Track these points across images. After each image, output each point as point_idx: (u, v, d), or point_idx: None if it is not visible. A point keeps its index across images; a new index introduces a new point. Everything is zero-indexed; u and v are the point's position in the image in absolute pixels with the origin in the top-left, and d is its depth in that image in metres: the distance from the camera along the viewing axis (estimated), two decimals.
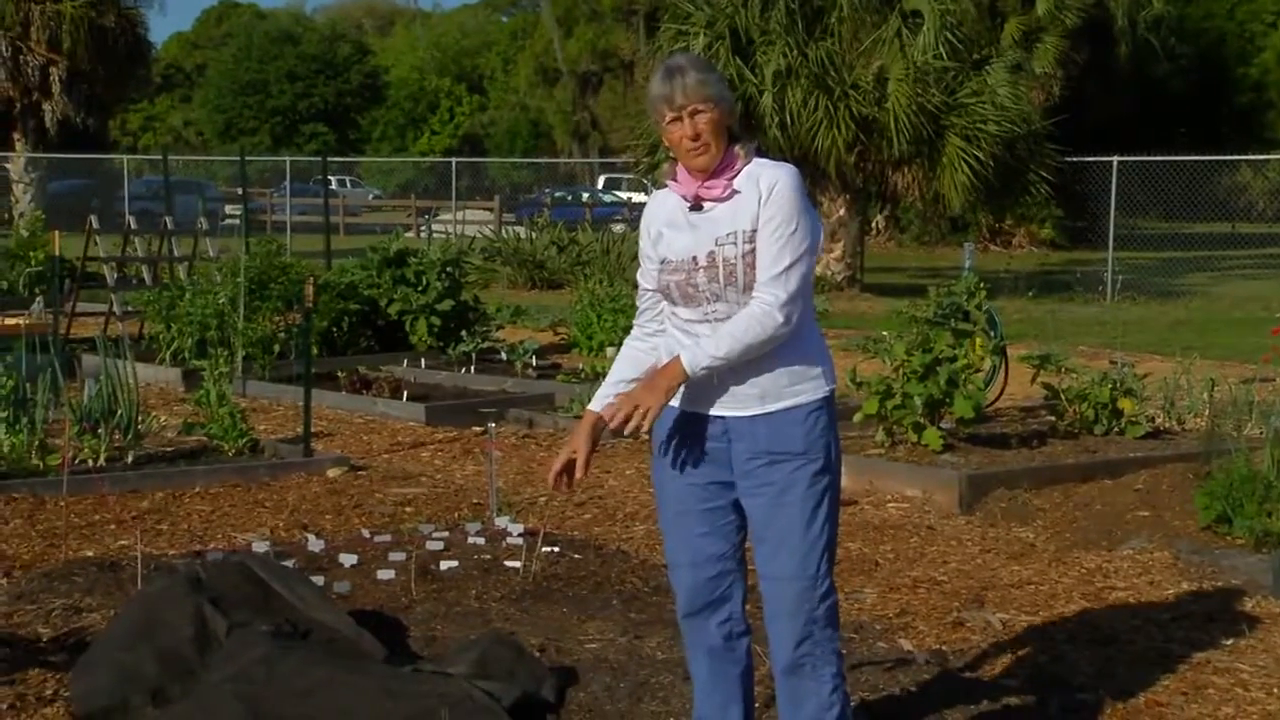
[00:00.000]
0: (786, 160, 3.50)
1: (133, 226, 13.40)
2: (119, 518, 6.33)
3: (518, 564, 5.49)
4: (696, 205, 3.36)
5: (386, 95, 64.05)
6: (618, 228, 26.10)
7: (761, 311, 3.26)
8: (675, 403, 3.42)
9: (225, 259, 11.88)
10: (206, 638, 4.06)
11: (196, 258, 12.72)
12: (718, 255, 3.30)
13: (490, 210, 32.64)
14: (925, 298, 8.56)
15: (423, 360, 11.34)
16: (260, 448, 7.78)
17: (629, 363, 3.51)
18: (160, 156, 16.09)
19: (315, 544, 5.78)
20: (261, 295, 10.96)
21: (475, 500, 6.87)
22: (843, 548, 3.94)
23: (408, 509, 6.71)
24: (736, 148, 3.34)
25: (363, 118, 62.69)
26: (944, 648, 4.76)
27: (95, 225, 12.47)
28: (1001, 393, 9.06)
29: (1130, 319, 16.80)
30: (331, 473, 7.43)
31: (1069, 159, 21.03)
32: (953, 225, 31.63)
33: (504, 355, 11.45)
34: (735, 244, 3.29)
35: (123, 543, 5.93)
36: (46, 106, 29.65)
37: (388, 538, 5.92)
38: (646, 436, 3.52)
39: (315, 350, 10.24)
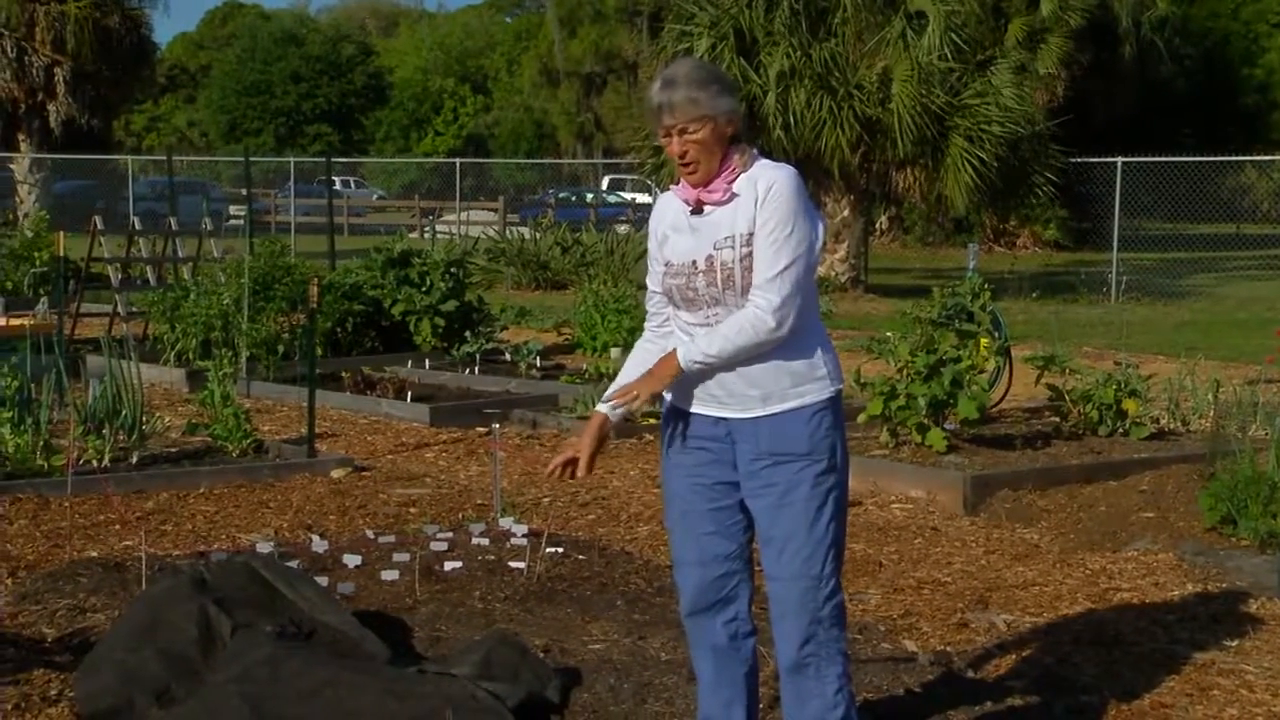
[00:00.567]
0: (790, 161, 3.50)
1: (137, 227, 13.42)
2: (123, 518, 6.33)
3: (522, 565, 5.49)
4: (697, 209, 3.36)
5: (390, 96, 64.10)
6: (622, 228, 26.10)
7: (753, 315, 3.27)
8: (681, 404, 3.43)
9: (229, 260, 11.89)
10: (211, 638, 4.06)
11: (201, 258, 12.73)
12: (716, 259, 3.30)
13: (494, 211, 32.65)
14: (930, 298, 8.57)
15: (427, 361, 11.34)
16: (264, 448, 7.79)
17: (638, 364, 3.52)
18: (165, 157, 16.13)
19: (319, 544, 5.78)
20: (266, 296, 10.97)
21: (479, 501, 6.87)
22: (847, 548, 3.93)
23: (412, 510, 6.71)
24: (735, 154, 3.33)
25: (367, 118, 62.75)
26: (948, 649, 4.76)
27: (100, 226, 12.48)
28: (1006, 394, 9.06)
29: (1135, 320, 16.80)
30: (335, 473, 7.43)
31: (1073, 160, 21.01)
32: (957, 226, 31.63)
33: (508, 356, 11.46)
34: (733, 247, 3.29)
35: (127, 543, 5.93)
36: (51, 107, 29.69)
37: (392, 538, 5.93)
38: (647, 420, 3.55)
39: (319, 351, 10.24)
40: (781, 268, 3.26)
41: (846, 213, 20.45)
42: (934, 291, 8.68)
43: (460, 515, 6.54)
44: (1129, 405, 8.02)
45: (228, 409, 7.64)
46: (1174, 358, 10.29)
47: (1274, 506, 5.95)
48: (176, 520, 6.44)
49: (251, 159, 17.85)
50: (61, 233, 11.38)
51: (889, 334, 9.40)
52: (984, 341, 8.06)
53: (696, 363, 3.32)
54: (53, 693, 4.18)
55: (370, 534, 6.04)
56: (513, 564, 5.52)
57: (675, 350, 3.35)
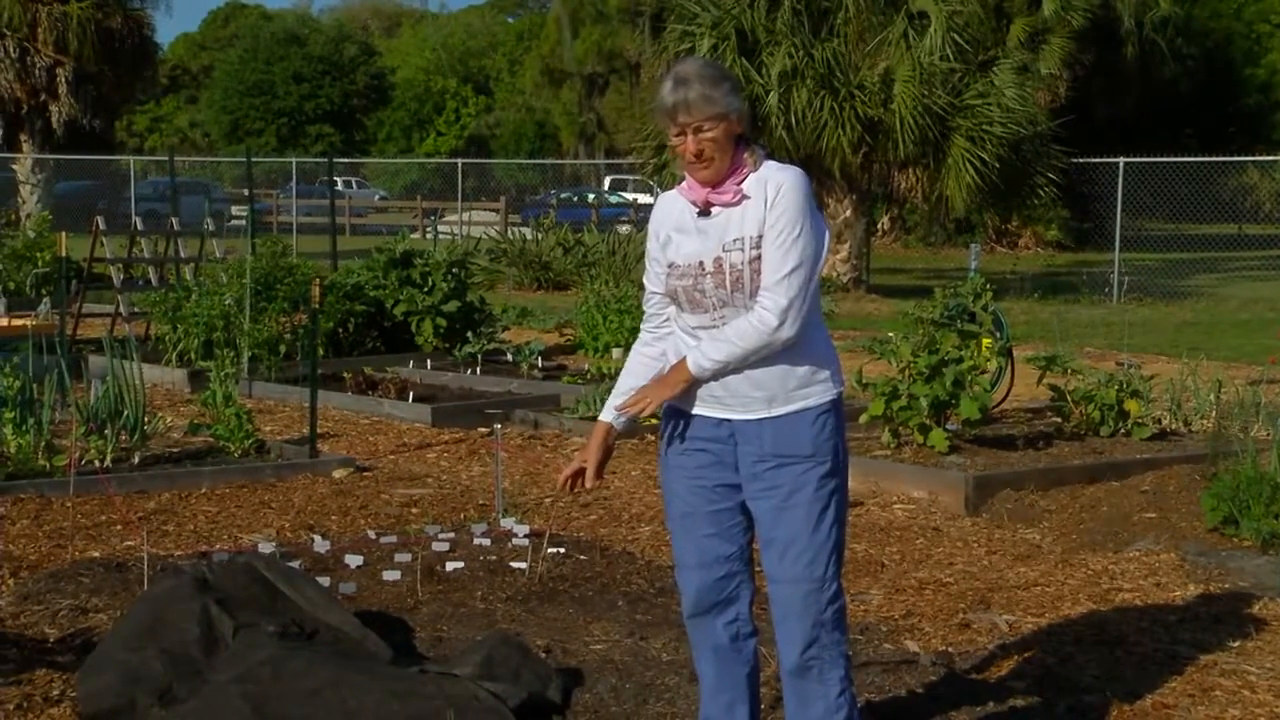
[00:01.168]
0: (792, 161, 3.50)
1: (139, 227, 13.43)
2: (125, 518, 6.34)
3: (523, 565, 5.49)
4: (705, 211, 3.34)
5: (392, 96, 64.11)
6: (624, 229, 26.10)
7: (761, 319, 3.26)
8: (682, 405, 3.42)
9: (231, 260, 11.89)
10: (213, 638, 4.06)
11: (203, 259, 12.74)
12: (725, 261, 3.29)
13: (496, 211, 32.68)
14: (931, 299, 8.56)
15: (428, 361, 11.34)
16: (266, 448, 7.79)
17: (635, 374, 3.52)
18: (166, 158, 16.13)
19: (321, 545, 5.78)
20: (267, 296, 10.98)
21: (481, 501, 6.87)
22: (849, 549, 3.95)
23: (413, 510, 6.71)
24: (745, 154, 3.32)
25: (369, 119, 62.76)
26: (950, 649, 4.76)
27: (102, 226, 12.49)
28: (1008, 394, 9.05)
29: (1136, 320, 16.79)
30: (337, 474, 7.43)
31: (1075, 160, 21.01)
32: (959, 227, 31.62)
33: (510, 356, 11.46)
34: (742, 250, 3.28)
35: (129, 543, 5.94)
36: (53, 108, 29.71)
37: (393, 539, 5.93)
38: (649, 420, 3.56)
39: (321, 351, 10.25)
40: (789, 269, 3.25)
41: (848, 213, 20.45)
42: (936, 292, 8.67)
43: (462, 515, 6.54)
44: (1131, 406, 8.02)
45: (229, 409, 7.64)
46: (1176, 358, 10.28)
47: (1276, 507, 5.94)
48: (178, 520, 6.45)
49: (253, 159, 17.86)
50: (63, 233, 11.39)
51: (891, 334, 9.39)
52: (986, 342, 8.06)
53: (705, 369, 3.31)
54: (55, 693, 4.18)
55: (372, 534, 6.04)
56: (514, 564, 5.52)
57: (685, 358, 3.35)
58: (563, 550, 5.75)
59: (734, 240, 3.29)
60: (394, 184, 54.25)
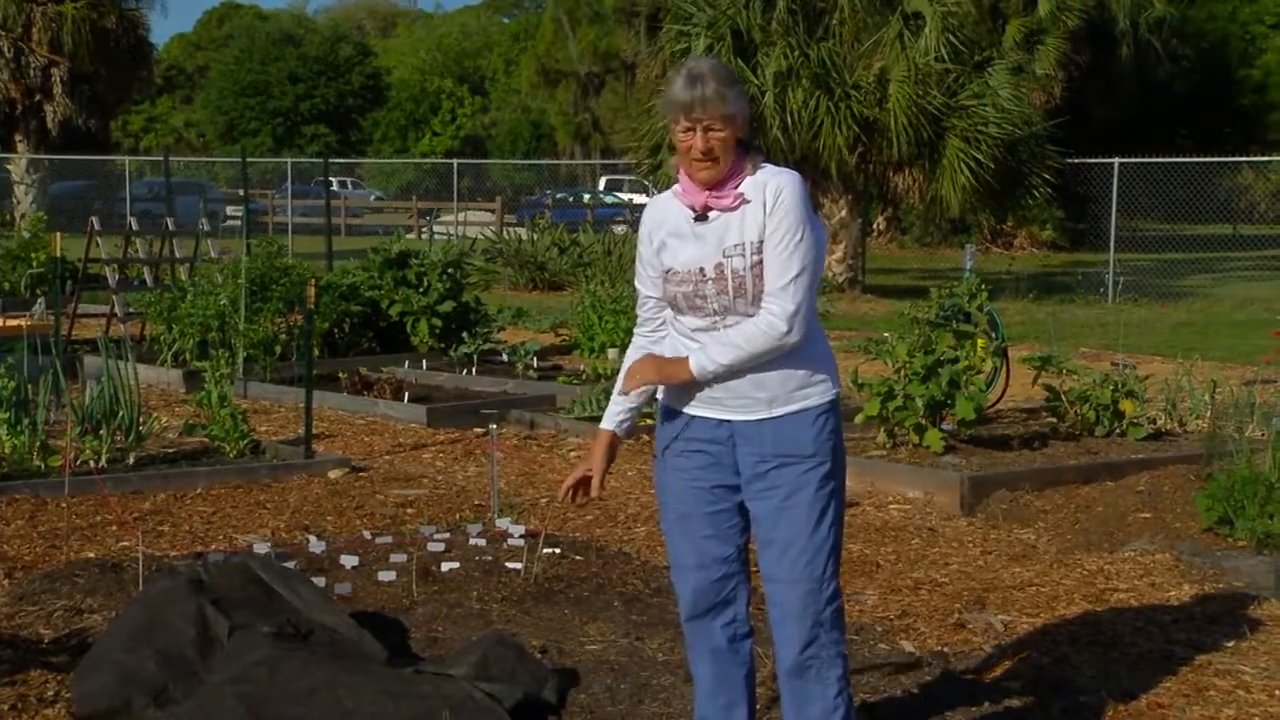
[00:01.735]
0: (788, 161, 3.50)
1: (134, 228, 13.41)
2: (120, 519, 6.33)
3: (519, 565, 5.49)
4: (702, 215, 3.33)
5: (388, 96, 64.07)
6: (619, 229, 26.12)
7: (768, 323, 3.26)
8: (680, 406, 3.42)
9: (226, 260, 11.89)
10: (208, 639, 4.06)
11: (198, 259, 12.73)
12: (726, 267, 3.29)
13: (492, 212, 32.65)
14: (927, 299, 8.57)
15: (424, 361, 11.34)
16: (261, 449, 7.78)
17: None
18: (162, 158, 16.12)
19: (317, 545, 5.78)
20: (263, 297, 10.97)
21: (477, 502, 6.87)
22: (844, 549, 3.94)
23: (409, 510, 6.71)
24: (746, 160, 3.31)
25: (364, 119, 62.71)
26: (945, 649, 4.76)
27: (97, 226, 12.48)
28: (1003, 394, 9.06)
29: (1132, 321, 16.81)
30: (333, 474, 7.43)
31: (1070, 161, 21.03)
32: (954, 227, 31.64)
33: (505, 357, 11.46)
34: (744, 255, 3.27)
35: (124, 544, 5.93)
36: (48, 108, 29.69)
37: (389, 539, 5.92)
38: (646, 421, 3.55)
39: (316, 352, 10.24)
40: (794, 275, 3.25)
41: (844, 213, 20.45)
42: (931, 292, 8.68)
43: (457, 516, 6.54)
44: (1126, 406, 8.03)
45: (225, 410, 7.63)
46: (1171, 358, 10.29)
47: (1271, 507, 5.95)
48: (174, 521, 6.44)
49: (249, 159, 17.86)
50: (58, 233, 11.39)
51: (886, 334, 9.41)
52: (980, 342, 8.06)
53: (710, 372, 3.31)
54: (50, 693, 4.17)
55: (367, 535, 6.04)
56: (510, 565, 5.52)
57: (687, 356, 3.34)
58: (558, 551, 5.75)
59: (734, 246, 3.28)
60: (389, 184, 54.23)
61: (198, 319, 10.77)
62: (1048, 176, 19.89)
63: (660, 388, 3.49)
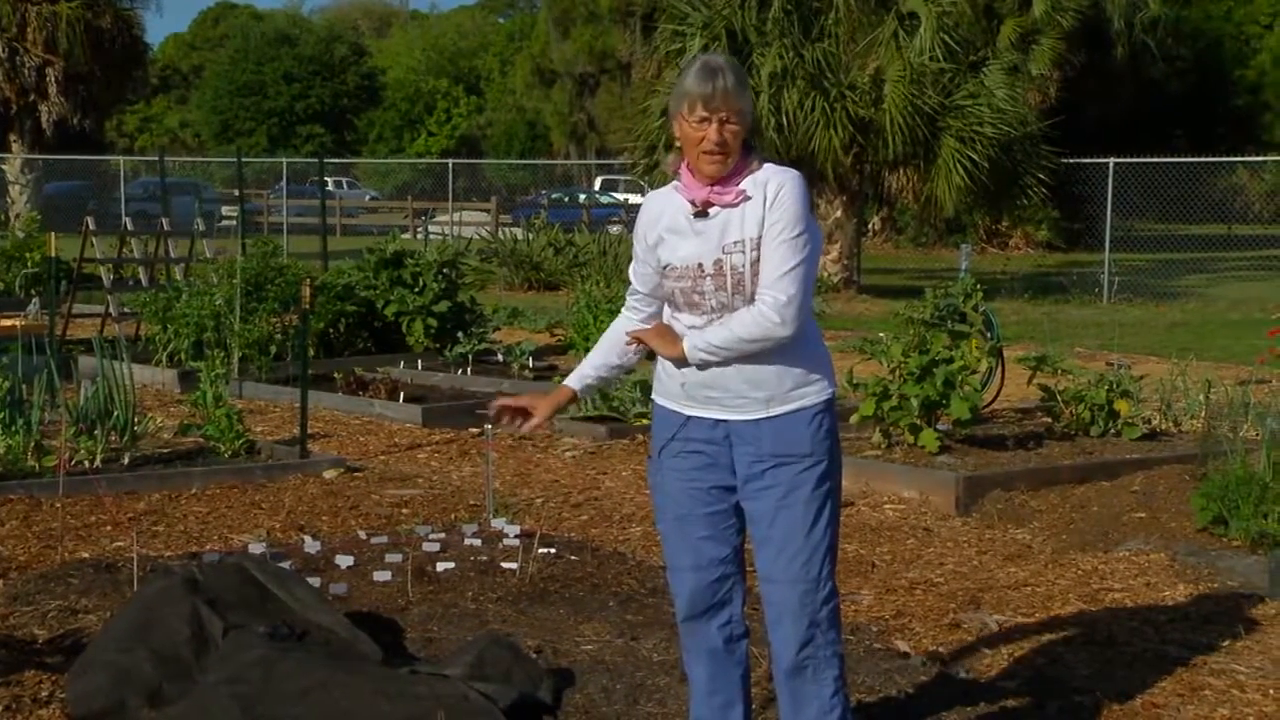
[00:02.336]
0: (783, 161, 3.50)
1: (129, 228, 13.41)
2: (115, 519, 6.33)
3: (514, 565, 5.49)
4: (702, 211, 3.33)
5: (383, 96, 64.05)
6: (614, 229, 26.11)
7: (761, 313, 3.26)
8: (677, 407, 3.42)
9: (222, 260, 11.87)
10: (203, 639, 4.05)
11: (193, 259, 12.72)
12: (725, 263, 3.29)
13: (487, 211, 32.61)
14: (922, 299, 8.57)
15: (419, 361, 11.34)
16: (257, 449, 7.78)
17: (610, 349, 3.60)
18: (157, 158, 16.10)
19: (312, 545, 5.77)
20: (258, 296, 10.96)
21: (472, 501, 6.87)
22: (839, 549, 3.95)
23: (404, 510, 6.71)
24: (753, 158, 3.32)
25: (359, 119, 62.69)
26: (941, 649, 4.76)
27: (92, 226, 12.46)
28: (998, 394, 9.07)
29: (1127, 321, 16.83)
30: (328, 474, 7.42)
31: (1065, 161, 21.04)
32: (950, 227, 31.65)
33: (501, 357, 11.45)
34: (743, 252, 3.27)
35: (119, 544, 5.93)
36: (43, 108, 29.66)
37: (384, 539, 5.92)
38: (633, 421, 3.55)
39: (312, 352, 10.24)
40: (790, 267, 3.25)
41: (839, 213, 20.46)
42: (927, 292, 8.68)
43: (453, 516, 6.54)
44: (1121, 406, 8.03)
45: (220, 410, 7.63)
46: (1166, 358, 10.29)
47: (1265, 507, 5.95)
48: (168, 521, 6.43)
49: (244, 159, 17.83)
50: (53, 233, 11.36)
51: (882, 334, 9.42)
52: (975, 342, 8.07)
53: (701, 353, 3.31)
54: (44, 694, 4.17)
55: (363, 535, 6.04)
56: (505, 565, 5.52)
57: (684, 339, 3.35)
58: (553, 551, 5.75)
59: (734, 242, 3.28)
60: (385, 184, 54.19)
61: (193, 319, 10.76)
62: (1043, 176, 19.91)
63: (654, 385, 3.51)
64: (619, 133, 32.70)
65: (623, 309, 3.61)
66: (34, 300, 14.13)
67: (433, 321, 11.81)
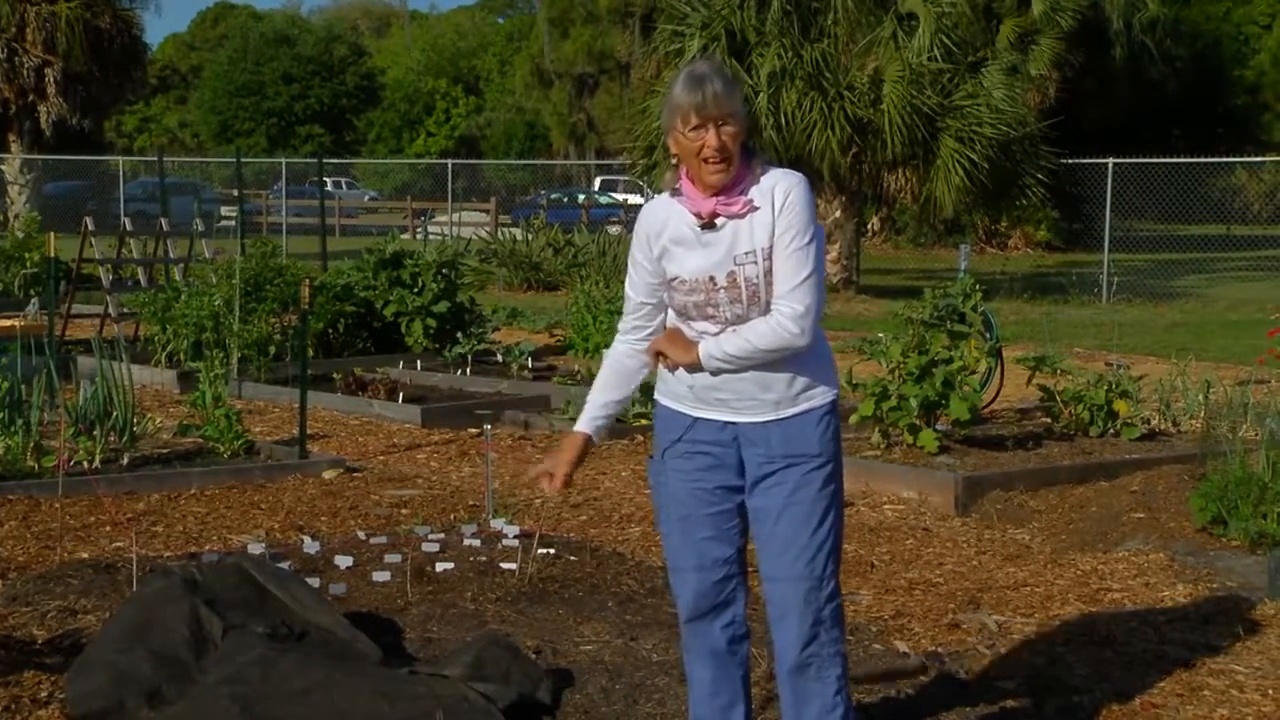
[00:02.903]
0: (782, 162, 3.49)
1: (128, 228, 13.40)
2: (114, 519, 6.33)
3: (513, 566, 5.49)
4: (709, 223, 3.29)
5: (383, 97, 64.04)
6: (614, 229, 26.11)
7: (780, 324, 3.25)
8: (683, 409, 3.42)
9: (221, 261, 11.87)
10: (202, 639, 4.05)
11: (192, 259, 12.72)
12: (738, 275, 3.27)
13: (486, 212, 32.62)
14: (921, 299, 8.57)
15: (419, 362, 11.33)
16: (256, 449, 7.78)
17: (611, 388, 3.51)
18: (156, 158, 16.09)
19: (311, 546, 5.77)
20: (257, 297, 10.96)
21: (471, 502, 6.87)
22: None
23: (403, 511, 6.71)
24: (755, 163, 3.30)
25: (359, 119, 62.69)
26: (940, 649, 4.76)
27: (91, 227, 12.46)
28: (997, 394, 9.07)
29: (1126, 321, 16.83)
30: (327, 474, 7.42)
31: (1064, 161, 21.05)
32: (948, 227, 31.65)
33: (500, 357, 11.45)
34: (756, 262, 3.26)
35: (118, 544, 5.93)
36: (42, 108, 29.64)
37: (383, 539, 5.92)
38: (632, 421, 3.54)
39: (311, 352, 10.23)
40: (804, 277, 3.25)
41: (838, 214, 20.47)
42: (926, 292, 8.68)
43: (452, 516, 6.54)
44: (1120, 406, 8.03)
45: (219, 410, 7.63)
46: (1165, 359, 10.30)
47: (1264, 507, 5.96)
48: (167, 521, 6.43)
49: (243, 160, 17.83)
50: (52, 234, 11.35)
51: (881, 335, 9.41)
52: (975, 342, 8.07)
53: (718, 361, 3.30)
54: (43, 694, 4.17)
55: (362, 535, 6.04)
56: (504, 565, 5.52)
57: (698, 343, 3.33)
58: (553, 551, 5.75)
59: (746, 253, 3.26)
60: (384, 185, 54.19)
61: (192, 319, 10.76)
62: (1042, 177, 19.91)
63: (657, 385, 3.49)
64: (618, 133, 32.75)
65: (619, 335, 3.54)
66: (33, 300, 14.13)
67: (432, 322, 11.81)
